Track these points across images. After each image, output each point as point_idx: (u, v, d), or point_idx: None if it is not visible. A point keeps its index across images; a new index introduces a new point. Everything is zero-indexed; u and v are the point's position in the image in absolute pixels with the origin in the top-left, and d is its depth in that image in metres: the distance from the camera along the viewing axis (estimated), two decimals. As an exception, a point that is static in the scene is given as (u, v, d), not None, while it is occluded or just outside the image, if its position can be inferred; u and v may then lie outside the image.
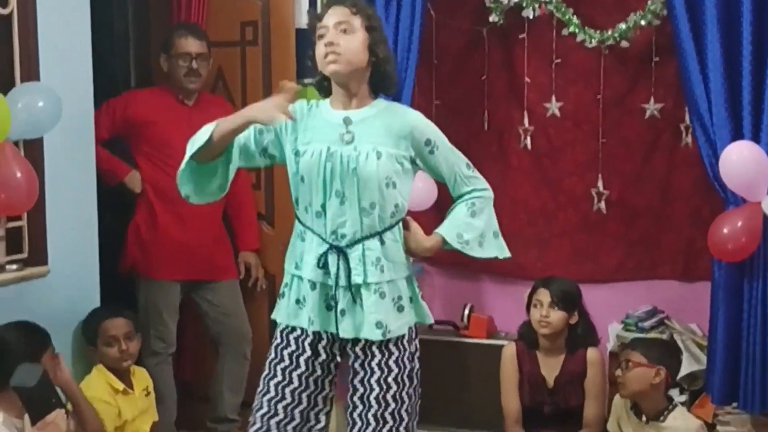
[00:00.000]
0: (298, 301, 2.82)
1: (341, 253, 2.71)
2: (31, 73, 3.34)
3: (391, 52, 2.85)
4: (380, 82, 2.79)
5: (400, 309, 2.77)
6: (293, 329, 2.83)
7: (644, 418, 3.38)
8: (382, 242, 2.75)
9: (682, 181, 4.39)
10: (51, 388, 2.54)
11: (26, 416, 2.53)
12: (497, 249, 2.92)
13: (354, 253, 2.71)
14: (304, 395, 2.81)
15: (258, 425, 2.83)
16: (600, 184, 4.49)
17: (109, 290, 3.84)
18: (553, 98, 4.53)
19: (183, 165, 2.76)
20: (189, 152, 2.73)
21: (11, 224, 3.36)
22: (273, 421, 2.81)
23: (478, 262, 4.71)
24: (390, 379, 2.75)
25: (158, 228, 4.05)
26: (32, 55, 3.35)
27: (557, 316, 3.80)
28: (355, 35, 2.68)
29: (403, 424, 2.79)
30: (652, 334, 4.23)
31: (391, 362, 2.76)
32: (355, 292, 2.72)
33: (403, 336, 2.79)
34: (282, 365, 2.82)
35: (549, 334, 3.83)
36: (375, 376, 2.75)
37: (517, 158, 4.65)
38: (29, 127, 3.19)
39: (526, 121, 4.59)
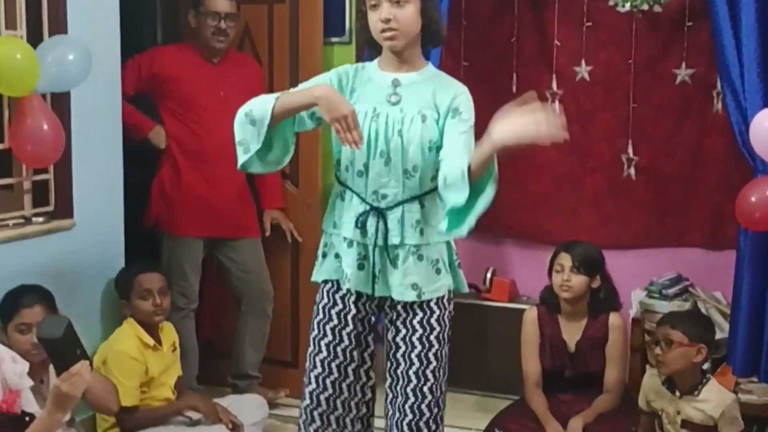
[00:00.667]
0: (337, 256, 2.84)
1: (380, 214, 2.72)
2: (60, 27, 3.34)
3: (438, 7, 2.82)
4: (429, 39, 2.79)
5: (438, 272, 2.79)
6: (338, 288, 2.86)
7: (678, 393, 3.35)
8: (422, 205, 2.75)
9: (713, 148, 4.34)
10: (76, 340, 2.56)
11: (51, 367, 2.54)
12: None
13: (393, 215, 2.72)
14: (355, 353, 2.85)
15: (314, 385, 2.87)
16: (630, 149, 4.45)
17: (133, 245, 3.86)
18: (583, 62, 4.47)
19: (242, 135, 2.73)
20: (253, 125, 2.71)
21: (37, 177, 3.38)
22: (328, 381, 2.85)
23: (501, 225, 4.76)
24: (432, 337, 2.78)
25: (182, 184, 4.06)
26: (60, 9, 3.34)
27: (579, 280, 3.78)
28: (408, 5, 2.66)
29: (440, 380, 2.83)
30: (676, 302, 4.20)
31: (432, 320, 2.79)
32: (391, 252, 2.73)
33: (442, 296, 2.81)
34: (331, 324, 2.85)
35: (570, 299, 3.81)
36: (417, 334, 2.78)
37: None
38: (58, 81, 3.19)
39: (554, 84, 4.54)
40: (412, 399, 2.78)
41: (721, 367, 4.06)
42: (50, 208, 3.42)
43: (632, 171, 4.46)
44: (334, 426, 2.88)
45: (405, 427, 2.79)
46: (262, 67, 4.33)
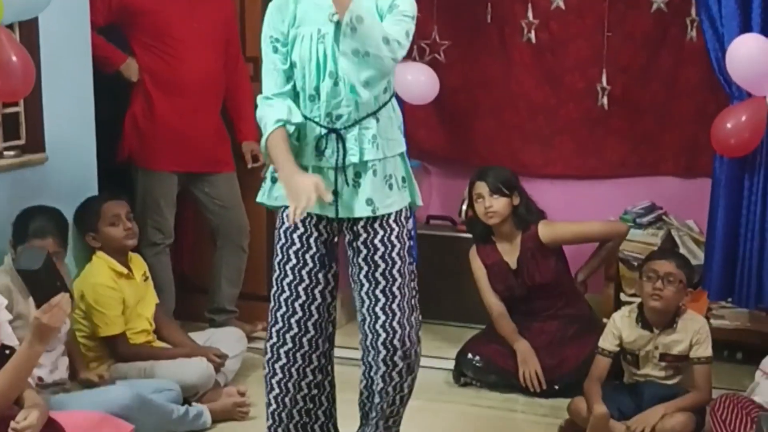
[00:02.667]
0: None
1: (338, 135, 2.70)
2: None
3: None
4: None
5: (390, 187, 2.77)
6: (295, 226, 2.82)
7: (655, 330, 3.40)
8: (378, 120, 2.73)
9: (688, 77, 4.34)
10: (56, 272, 2.53)
11: (30, 299, 2.53)
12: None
13: (350, 134, 2.70)
14: (320, 275, 2.84)
15: (284, 309, 2.85)
16: (604, 79, 4.44)
17: (107, 180, 3.81)
18: (559, -10, 4.44)
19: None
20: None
21: (8, 110, 3.32)
22: (297, 304, 2.84)
23: (476, 158, 4.76)
24: (394, 254, 2.77)
25: (156, 118, 4.01)
26: (24, -66, 3.24)
27: (500, 203, 3.90)
28: None
29: (408, 297, 2.83)
30: (650, 230, 4.25)
31: (393, 238, 2.78)
32: (349, 172, 2.73)
33: (400, 212, 2.80)
34: (294, 248, 2.83)
35: (498, 223, 3.90)
36: (379, 252, 2.77)
37: (519, 52, 4.58)
38: (22, 8, 3.10)
39: (530, 14, 4.50)
40: (383, 318, 2.77)
41: (694, 293, 4.12)
42: (21, 141, 3.37)
43: (605, 101, 4.46)
44: (306, 347, 2.87)
45: (380, 347, 2.78)
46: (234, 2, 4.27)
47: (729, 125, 3.53)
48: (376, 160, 2.72)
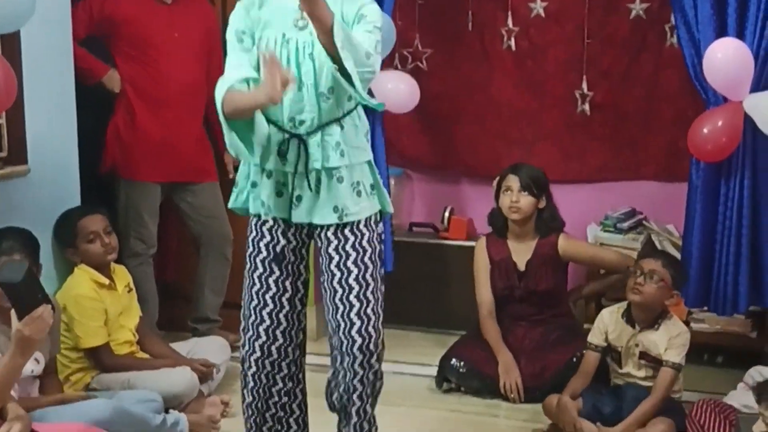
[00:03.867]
0: (254, 185, 2.84)
1: (300, 140, 2.71)
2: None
3: None
4: None
5: (359, 194, 2.78)
6: (265, 221, 2.85)
7: (637, 327, 3.43)
8: (341, 127, 2.74)
9: (668, 82, 4.38)
10: (37, 284, 2.54)
11: (12, 312, 2.53)
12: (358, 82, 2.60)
13: (313, 140, 2.70)
14: (287, 283, 2.86)
15: (252, 317, 2.88)
16: (584, 85, 4.47)
17: (89, 191, 3.82)
18: (538, -2, 4.48)
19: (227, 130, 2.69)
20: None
21: (-11, 122, 3.32)
22: (264, 313, 2.86)
23: (458, 165, 4.79)
24: (366, 259, 2.79)
25: (138, 128, 4.02)
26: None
27: (527, 201, 3.91)
28: None
29: (380, 301, 2.84)
30: (630, 235, 4.28)
31: (364, 242, 2.79)
32: (312, 178, 2.73)
33: (369, 217, 2.81)
34: (261, 256, 2.85)
35: (519, 220, 3.93)
36: (351, 258, 2.78)
37: (500, 59, 4.62)
38: (3, 20, 3.11)
39: (510, 21, 4.53)
40: (358, 323, 2.77)
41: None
42: (3, 154, 3.37)
43: (587, 106, 4.50)
44: (275, 355, 2.90)
45: (356, 352, 2.78)
46: (215, 6, 4.28)
47: (706, 130, 3.55)
48: (342, 167, 2.73)
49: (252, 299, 2.88)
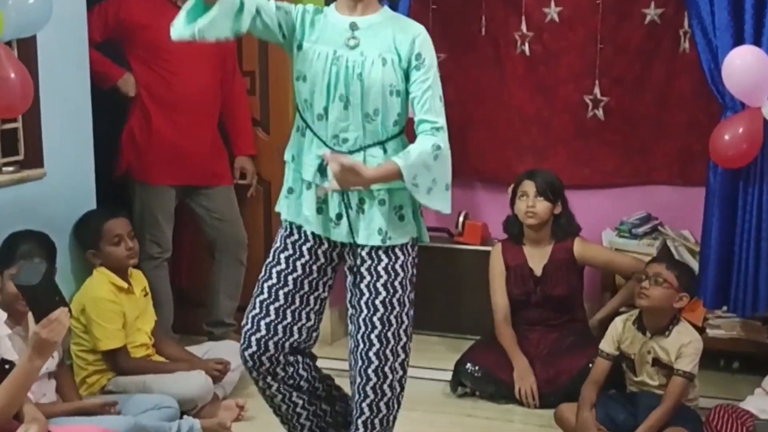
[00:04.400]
0: (291, 191, 2.84)
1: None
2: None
3: None
4: None
5: (401, 218, 2.78)
6: (291, 233, 2.84)
7: (648, 334, 3.42)
8: (385, 150, 2.74)
9: (681, 88, 4.38)
10: (54, 286, 2.55)
11: (29, 314, 2.54)
12: (442, 203, 2.74)
13: (356, 159, 2.69)
14: (297, 296, 2.84)
15: (249, 326, 2.87)
16: (597, 90, 4.47)
17: (104, 195, 3.83)
18: (552, 3, 4.47)
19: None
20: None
21: (6, 126, 3.33)
22: (263, 322, 2.85)
23: (471, 169, 4.79)
24: (396, 283, 2.78)
25: (152, 132, 4.03)
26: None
27: (543, 206, 3.91)
28: None
29: (404, 326, 2.83)
30: (645, 241, 4.27)
31: (397, 266, 2.78)
32: (352, 198, 2.73)
33: (407, 243, 2.81)
34: (278, 268, 2.85)
35: (535, 225, 3.92)
36: (382, 280, 2.77)
37: (513, 64, 4.62)
38: (21, 26, 3.13)
39: (523, 26, 4.53)
40: (377, 345, 2.78)
41: (690, 303, 4.13)
42: (20, 157, 3.38)
43: (599, 112, 4.50)
44: (272, 351, 2.86)
45: (371, 374, 2.79)
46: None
47: (727, 137, 3.54)
48: (383, 189, 2.72)
49: (254, 308, 2.86)
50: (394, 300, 2.78)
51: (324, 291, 2.89)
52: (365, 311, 2.79)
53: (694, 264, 4.06)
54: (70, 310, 2.60)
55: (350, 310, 2.86)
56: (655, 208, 4.47)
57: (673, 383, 3.32)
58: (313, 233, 2.82)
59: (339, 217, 2.76)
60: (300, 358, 2.91)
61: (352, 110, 2.68)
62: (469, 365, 3.92)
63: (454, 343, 4.43)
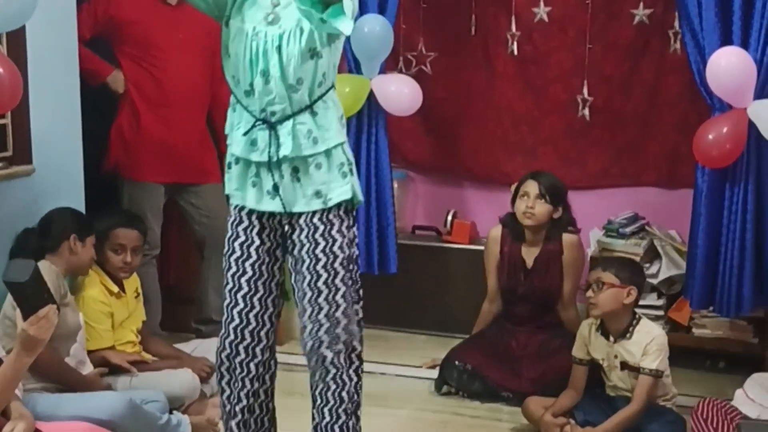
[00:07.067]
0: (229, 166, 2.87)
1: (271, 127, 2.73)
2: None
3: None
4: None
5: (344, 175, 2.79)
6: (241, 220, 2.87)
7: (612, 338, 3.43)
8: (314, 113, 2.75)
9: (669, 88, 4.39)
10: (43, 283, 2.54)
11: (17, 311, 2.53)
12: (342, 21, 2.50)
13: (283, 128, 2.72)
14: (264, 267, 2.85)
15: (228, 299, 2.88)
16: (585, 90, 4.49)
17: (93, 191, 3.82)
18: (542, 3, 4.49)
19: None
20: None
21: (-6, 122, 3.33)
22: (235, 311, 2.86)
23: (461, 168, 4.81)
24: (336, 248, 2.79)
25: (141, 129, 4.02)
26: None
27: (543, 208, 3.90)
28: None
29: (351, 288, 2.82)
30: (633, 240, 4.28)
31: (334, 232, 2.79)
32: (286, 167, 2.75)
33: (340, 206, 2.80)
34: (239, 241, 2.86)
35: (532, 226, 3.92)
36: (320, 246, 2.78)
37: (502, 64, 4.63)
38: (7, 17, 3.11)
39: (513, 26, 4.55)
40: (326, 307, 2.78)
41: (677, 302, 4.17)
42: (8, 153, 3.37)
43: (587, 112, 4.51)
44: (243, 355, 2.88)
45: (323, 334, 2.79)
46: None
47: (711, 136, 3.57)
48: (318, 154, 2.74)
49: (227, 282, 2.88)
50: (336, 264, 2.78)
51: (279, 276, 2.91)
52: (309, 277, 2.79)
53: (682, 263, 4.09)
54: (58, 308, 2.59)
55: (294, 276, 2.86)
56: (642, 208, 4.49)
57: (640, 382, 3.33)
58: (257, 217, 2.82)
59: (275, 188, 2.77)
60: (272, 364, 2.94)
61: (274, 83, 2.70)
62: (457, 362, 3.92)
63: (442, 341, 4.43)
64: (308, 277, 2.79)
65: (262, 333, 2.89)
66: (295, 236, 2.82)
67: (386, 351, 4.41)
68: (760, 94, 3.54)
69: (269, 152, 2.73)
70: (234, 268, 2.86)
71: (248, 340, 2.88)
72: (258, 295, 2.86)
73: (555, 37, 4.52)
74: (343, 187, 2.78)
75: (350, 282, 2.82)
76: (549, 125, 4.63)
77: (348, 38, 4.14)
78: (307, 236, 2.79)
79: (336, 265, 2.78)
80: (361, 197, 2.88)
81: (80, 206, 3.66)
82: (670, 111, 4.42)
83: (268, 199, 2.79)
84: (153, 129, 4.02)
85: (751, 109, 3.53)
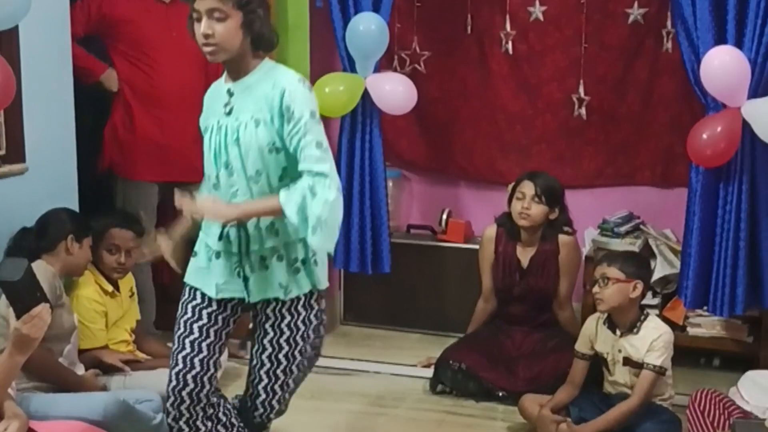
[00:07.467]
0: (195, 254, 2.89)
1: (239, 223, 2.73)
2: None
3: (265, 12, 2.74)
4: (260, 46, 2.74)
5: (296, 271, 2.78)
6: (194, 297, 2.88)
7: (618, 332, 3.42)
8: None
9: (664, 88, 4.40)
10: (36, 282, 2.53)
11: (10, 310, 2.52)
12: (326, 242, 2.64)
13: (250, 222, 2.73)
14: (204, 344, 2.85)
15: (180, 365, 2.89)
16: (581, 89, 4.49)
17: (87, 190, 3.81)
18: (537, 2, 4.48)
19: None
20: None
21: (-13, 121, 3.32)
22: (180, 356, 2.87)
23: (456, 167, 4.81)
24: (297, 337, 2.82)
25: (135, 128, 4.02)
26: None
27: (538, 209, 3.90)
28: (229, 21, 2.63)
29: (303, 369, 2.93)
30: (628, 239, 4.28)
31: (299, 322, 2.82)
32: (254, 257, 2.76)
33: (308, 295, 2.81)
34: (186, 317, 2.87)
35: (528, 227, 3.92)
36: (284, 336, 2.81)
37: (497, 63, 4.63)
38: (0, 17, 3.10)
39: (508, 25, 4.54)
40: (280, 393, 2.89)
41: (672, 301, 4.17)
42: (1, 152, 3.36)
43: (582, 111, 4.51)
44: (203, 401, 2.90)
45: (275, 403, 2.91)
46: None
47: (705, 136, 3.57)
48: (279, 245, 2.75)
49: (176, 363, 2.89)
50: (296, 352, 2.84)
51: (225, 340, 2.94)
52: (268, 365, 2.85)
53: (677, 263, 4.09)
54: (52, 308, 2.58)
55: (253, 359, 2.90)
56: (637, 208, 4.49)
57: (642, 377, 3.33)
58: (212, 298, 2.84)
59: (247, 279, 2.78)
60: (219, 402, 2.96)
61: (237, 175, 2.71)
62: (451, 362, 3.92)
63: (437, 340, 4.43)
64: (267, 365, 2.85)
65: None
66: (260, 324, 2.85)
67: (381, 350, 4.41)
68: (753, 94, 3.54)
69: (240, 246, 2.75)
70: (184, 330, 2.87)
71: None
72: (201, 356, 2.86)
73: (550, 36, 4.52)
74: (298, 282, 2.78)
75: (304, 364, 2.91)
76: (543, 124, 4.63)
77: (343, 37, 4.18)
78: (272, 325, 2.82)
79: (296, 352, 2.83)
80: (323, 284, 2.86)
81: (74, 205, 3.65)
82: (664, 110, 4.42)
83: (234, 287, 2.80)
84: (147, 128, 4.02)
85: (745, 108, 3.53)
